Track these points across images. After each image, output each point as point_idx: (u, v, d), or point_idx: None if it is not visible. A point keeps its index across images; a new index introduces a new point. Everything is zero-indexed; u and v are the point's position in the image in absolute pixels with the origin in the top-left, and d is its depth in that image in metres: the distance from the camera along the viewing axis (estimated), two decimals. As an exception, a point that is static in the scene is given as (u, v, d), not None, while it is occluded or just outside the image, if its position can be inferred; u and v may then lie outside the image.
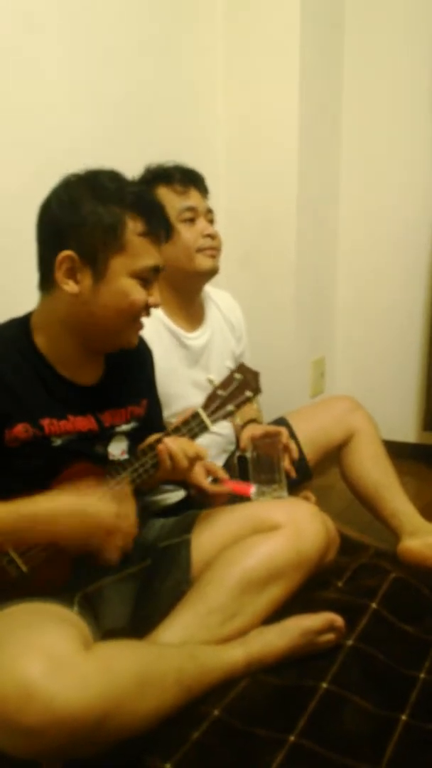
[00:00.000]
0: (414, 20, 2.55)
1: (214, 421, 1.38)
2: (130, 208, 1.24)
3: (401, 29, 2.58)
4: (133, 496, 1.28)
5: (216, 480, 1.57)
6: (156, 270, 1.29)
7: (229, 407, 1.39)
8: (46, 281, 1.28)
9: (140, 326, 1.33)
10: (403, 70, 2.60)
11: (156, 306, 1.31)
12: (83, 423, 1.32)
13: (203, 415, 1.37)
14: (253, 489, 1.62)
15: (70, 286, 1.24)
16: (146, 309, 1.30)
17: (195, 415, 1.37)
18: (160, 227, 1.28)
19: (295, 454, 1.75)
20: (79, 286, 1.24)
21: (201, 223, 1.74)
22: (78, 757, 1.04)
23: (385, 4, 2.59)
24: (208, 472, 1.58)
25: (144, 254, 1.25)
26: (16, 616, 1.11)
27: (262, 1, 2.39)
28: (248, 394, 1.39)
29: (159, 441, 1.33)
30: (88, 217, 1.22)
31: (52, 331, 1.29)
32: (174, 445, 1.32)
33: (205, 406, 1.38)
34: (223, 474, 1.58)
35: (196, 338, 1.82)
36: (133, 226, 1.24)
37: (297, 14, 2.35)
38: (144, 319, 1.34)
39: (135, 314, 1.29)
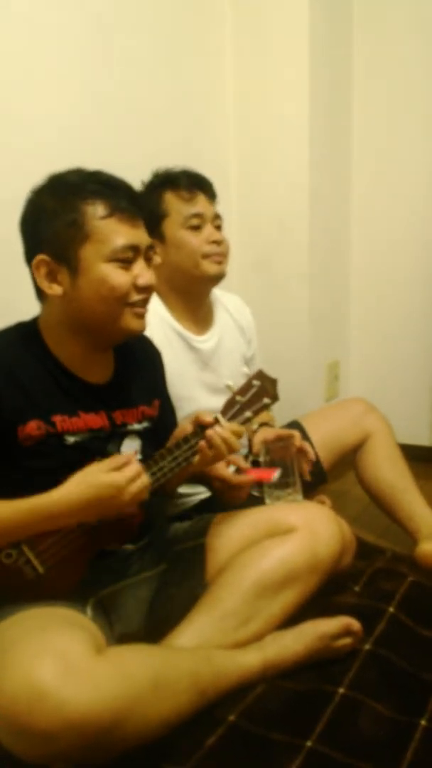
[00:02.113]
0: (424, 20, 2.53)
1: None
2: (87, 194, 1.23)
3: (411, 30, 2.56)
4: (136, 459, 1.26)
5: (238, 470, 1.56)
6: (133, 248, 1.25)
7: (247, 413, 1.38)
8: (39, 291, 1.30)
9: (139, 312, 1.29)
10: (414, 71, 2.58)
11: (146, 286, 1.27)
12: (95, 420, 1.31)
13: (222, 420, 1.37)
14: (276, 473, 1.60)
15: (54, 289, 1.25)
16: (138, 291, 1.26)
17: (214, 420, 1.37)
18: (125, 205, 1.24)
19: (312, 455, 1.74)
20: (62, 286, 1.24)
21: (207, 230, 1.72)
22: (91, 764, 1.03)
23: (394, 4, 2.58)
24: (229, 462, 1.57)
25: (112, 236, 1.22)
26: (29, 619, 1.11)
27: (271, 5, 2.39)
28: (266, 401, 1.39)
29: (196, 434, 1.34)
30: (50, 217, 1.23)
31: (56, 334, 1.30)
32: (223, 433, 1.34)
33: (224, 412, 1.38)
34: (244, 464, 1.57)
35: (205, 341, 1.81)
36: (93, 212, 1.22)
37: (306, 17, 2.35)
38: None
39: (121, 298, 1.25)
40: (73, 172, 1.27)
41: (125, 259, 1.24)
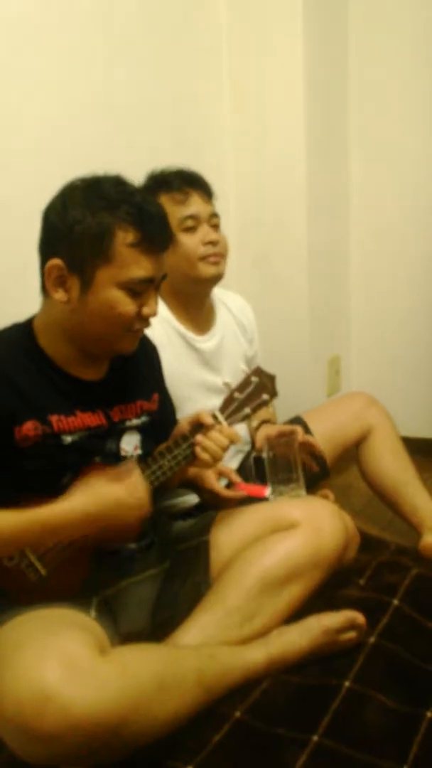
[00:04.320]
0: (419, 13, 2.52)
1: (231, 424, 1.38)
2: (122, 217, 1.20)
3: (407, 22, 2.55)
4: (138, 470, 1.28)
5: (230, 484, 1.56)
6: (149, 281, 1.24)
7: (246, 410, 1.39)
8: (44, 287, 1.28)
9: (138, 334, 1.30)
10: (410, 63, 2.58)
11: (151, 317, 1.27)
12: (92, 419, 1.31)
13: (220, 417, 1.37)
14: (267, 490, 1.60)
15: (60, 295, 1.23)
16: (141, 319, 1.26)
17: (213, 418, 1.37)
18: (156, 238, 1.23)
19: (318, 446, 1.73)
20: (68, 294, 1.23)
21: (203, 230, 1.71)
22: (98, 763, 1.03)
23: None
24: (222, 475, 1.57)
25: (133, 266, 1.21)
26: (32, 621, 1.11)
27: (265, 1, 2.39)
28: (265, 397, 1.39)
29: (195, 431, 1.35)
30: (76, 225, 1.20)
31: (52, 333, 1.29)
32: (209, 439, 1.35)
33: (222, 409, 1.38)
34: (236, 478, 1.58)
35: (206, 341, 1.81)
36: (123, 237, 1.20)
37: (300, 11, 2.34)
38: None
39: (125, 325, 1.25)
40: (112, 182, 1.25)
41: (137, 290, 1.23)
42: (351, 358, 2.92)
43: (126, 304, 1.23)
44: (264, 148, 2.51)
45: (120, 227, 1.20)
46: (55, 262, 1.21)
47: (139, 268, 1.21)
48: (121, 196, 1.22)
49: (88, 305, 1.22)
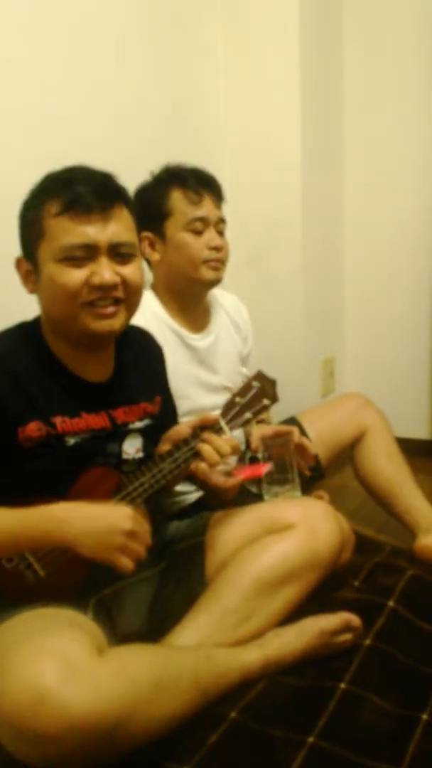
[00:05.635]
0: (415, 16, 2.54)
1: (232, 429, 1.38)
2: (50, 191, 1.21)
3: (402, 25, 2.57)
4: (142, 507, 1.28)
5: (228, 472, 1.56)
6: (85, 248, 1.19)
7: (247, 415, 1.39)
8: None
9: (100, 312, 1.22)
10: (407, 65, 2.59)
11: (101, 285, 1.20)
12: (96, 420, 1.31)
13: (222, 422, 1.37)
14: (266, 467, 1.60)
15: (28, 288, 1.27)
16: (92, 290, 1.20)
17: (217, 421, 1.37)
18: (84, 201, 1.18)
19: (313, 451, 1.73)
20: (34, 285, 1.26)
21: (209, 234, 1.72)
22: (95, 764, 1.02)
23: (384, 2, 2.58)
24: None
25: (61, 234, 1.18)
26: (29, 621, 1.10)
27: (261, 3, 2.39)
28: (266, 402, 1.39)
29: (196, 436, 1.35)
30: (22, 216, 1.26)
31: (49, 332, 1.30)
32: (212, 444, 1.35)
33: (224, 414, 1.38)
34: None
35: (201, 339, 1.82)
36: (48, 209, 1.20)
37: (296, 15, 2.35)
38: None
39: (71, 297, 1.20)
40: (64, 170, 1.26)
41: (76, 257, 1.19)
42: (345, 359, 2.93)
43: (64, 275, 1.19)
44: (259, 149, 2.52)
45: (46, 202, 1.21)
46: (19, 257, 1.26)
47: (68, 234, 1.19)
48: (60, 175, 1.24)
49: (40, 288, 1.25)
